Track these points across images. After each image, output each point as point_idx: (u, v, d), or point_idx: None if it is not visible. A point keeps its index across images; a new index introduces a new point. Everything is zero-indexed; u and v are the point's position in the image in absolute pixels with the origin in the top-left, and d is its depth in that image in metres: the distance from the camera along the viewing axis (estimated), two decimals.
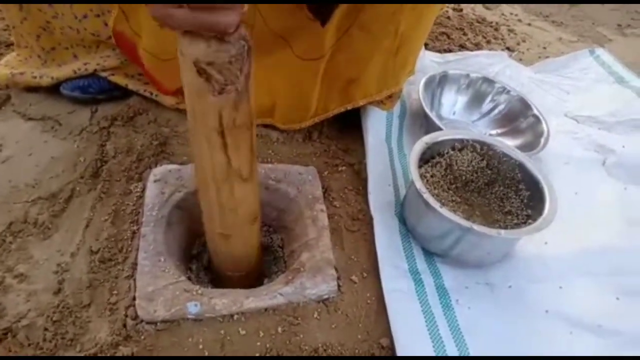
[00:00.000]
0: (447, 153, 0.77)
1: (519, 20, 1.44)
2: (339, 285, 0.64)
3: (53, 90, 0.85)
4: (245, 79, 0.41)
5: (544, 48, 1.32)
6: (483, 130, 0.98)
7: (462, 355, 0.59)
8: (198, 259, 0.74)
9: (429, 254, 0.71)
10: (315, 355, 0.58)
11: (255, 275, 0.69)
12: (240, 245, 0.62)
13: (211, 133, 0.45)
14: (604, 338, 0.63)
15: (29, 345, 0.55)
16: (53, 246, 0.66)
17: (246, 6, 0.37)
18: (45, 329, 0.56)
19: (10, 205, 0.70)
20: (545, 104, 1.01)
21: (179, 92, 0.85)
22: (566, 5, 1.54)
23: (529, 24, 1.43)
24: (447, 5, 1.37)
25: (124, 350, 0.55)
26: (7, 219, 0.68)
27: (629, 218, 0.81)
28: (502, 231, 0.63)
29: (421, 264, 0.70)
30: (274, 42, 0.76)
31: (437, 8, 0.77)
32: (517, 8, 1.50)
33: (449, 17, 1.35)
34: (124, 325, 0.57)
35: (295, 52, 0.77)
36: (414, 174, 0.67)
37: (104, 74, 0.84)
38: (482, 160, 0.77)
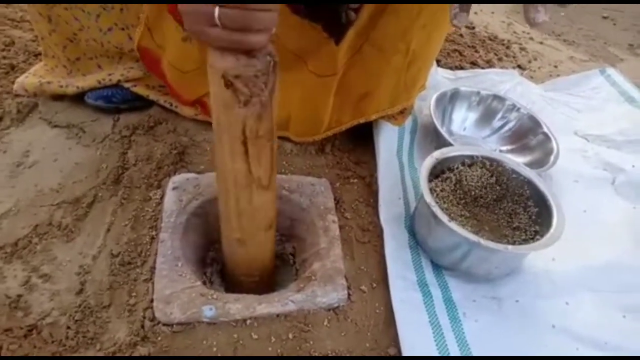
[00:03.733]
0: (457, 168, 0.78)
1: (531, 39, 1.46)
2: (349, 294, 0.66)
3: (78, 99, 0.89)
4: (269, 93, 0.43)
5: (555, 67, 1.33)
6: (493, 147, 0.99)
7: None
8: (212, 265, 0.76)
9: (437, 267, 0.73)
10: None
11: (268, 281, 0.71)
12: (255, 250, 0.64)
13: (234, 142, 0.47)
14: (609, 355, 0.64)
15: (52, 342, 0.57)
16: (76, 248, 0.68)
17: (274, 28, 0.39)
18: (68, 327, 0.59)
19: (36, 208, 0.73)
20: (555, 122, 1.02)
21: (197, 103, 0.88)
22: (578, 25, 1.56)
23: (541, 43, 1.45)
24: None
25: (141, 350, 0.57)
26: (33, 222, 0.71)
27: (637, 236, 0.82)
28: (510, 246, 0.65)
29: (430, 276, 0.71)
30: (290, 59, 0.79)
31: (446, 27, 0.80)
32: (528, 26, 1.53)
33: (461, 35, 1.38)
34: (142, 326, 0.60)
35: (310, 69, 0.80)
36: (424, 187, 0.69)
37: (127, 85, 0.88)
38: (492, 176, 0.78)
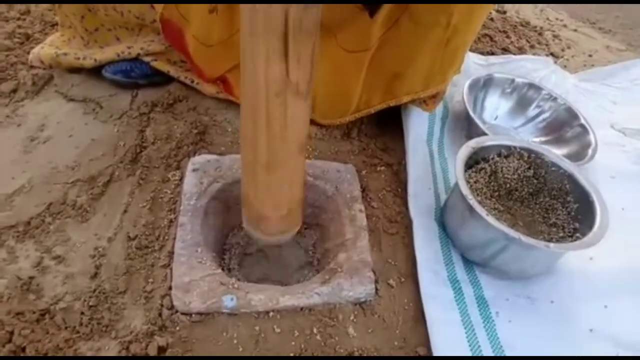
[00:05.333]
0: (493, 159, 0.74)
1: (564, 26, 1.40)
2: (376, 289, 0.63)
3: (95, 72, 0.86)
4: None
5: (590, 56, 1.27)
6: (526, 137, 0.94)
7: None
8: (231, 251, 0.73)
9: (468, 262, 0.69)
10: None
11: (296, 215, 0.63)
12: (285, 179, 0.56)
13: (272, 39, 0.41)
14: None
15: (66, 328, 0.55)
16: (91, 229, 0.66)
17: None
18: (82, 313, 0.57)
19: (50, 185, 0.70)
20: (590, 114, 0.97)
21: (219, 80, 0.84)
22: (615, 12, 1.49)
23: (575, 30, 1.38)
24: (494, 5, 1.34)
25: (159, 340, 0.54)
26: (46, 200, 0.68)
27: None
28: (552, 244, 0.61)
29: (460, 272, 0.68)
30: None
31: (490, 4, 0.75)
32: (562, 13, 1.46)
33: (492, 19, 1.31)
34: (160, 315, 0.57)
35: (340, 44, 0.75)
36: (460, 179, 0.65)
37: (146, 59, 0.84)
38: (529, 168, 0.74)
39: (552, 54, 1.25)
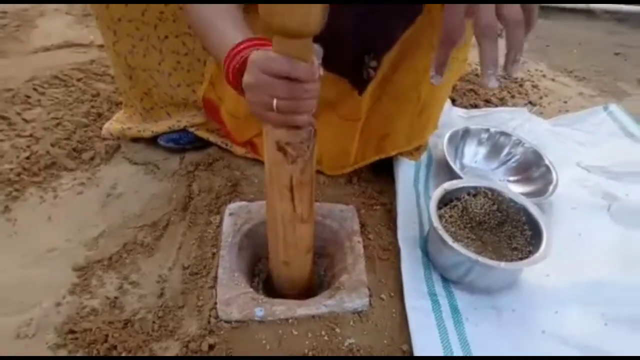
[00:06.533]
0: (463, 197, 0.93)
1: (543, 76, 1.59)
2: (370, 301, 0.81)
3: (152, 141, 1.09)
4: (310, 153, 0.60)
5: (565, 102, 1.45)
6: (501, 178, 1.13)
7: None
8: (259, 275, 0.93)
9: (446, 280, 0.86)
10: (350, 355, 0.74)
11: (307, 294, 0.85)
12: (297, 270, 0.79)
13: (283, 189, 0.63)
14: (591, 355, 0.76)
15: (142, 333, 0.75)
16: (156, 262, 0.87)
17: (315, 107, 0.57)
18: (153, 322, 0.76)
19: (124, 230, 0.92)
20: (560, 155, 1.14)
21: (247, 144, 1.07)
22: (590, 61, 1.67)
23: (553, 79, 1.57)
24: (472, 64, 1.55)
25: (209, 340, 0.73)
26: (122, 241, 0.90)
27: (628, 258, 0.92)
28: (502, 263, 0.79)
29: (439, 288, 0.85)
30: (321, 106, 0.96)
31: (451, 82, 0.96)
32: (541, 64, 1.66)
33: (476, 75, 1.53)
34: (209, 322, 0.76)
35: (337, 114, 0.97)
36: (433, 214, 0.84)
37: (191, 129, 1.07)
38: (494, 204, 0.92)
39: (530, 102, 1.44)
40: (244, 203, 0.96)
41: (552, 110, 1.41)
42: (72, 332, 0.74)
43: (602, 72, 1.61)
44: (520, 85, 1.51)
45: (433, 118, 0.99)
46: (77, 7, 1.78)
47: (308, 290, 0.86)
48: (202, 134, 1.08)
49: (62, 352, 0.72)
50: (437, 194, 0.90)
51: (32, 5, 1.73)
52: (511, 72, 0.54)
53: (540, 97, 1.47)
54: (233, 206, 0.95)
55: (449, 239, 0.81)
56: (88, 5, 1.78)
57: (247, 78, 0.58)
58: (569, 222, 1.00)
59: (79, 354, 0.72)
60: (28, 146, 1.08)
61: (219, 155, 1.08)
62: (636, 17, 1.96)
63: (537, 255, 0.81)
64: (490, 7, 0.50)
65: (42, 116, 1.17)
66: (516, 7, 0.50)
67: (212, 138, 1.08)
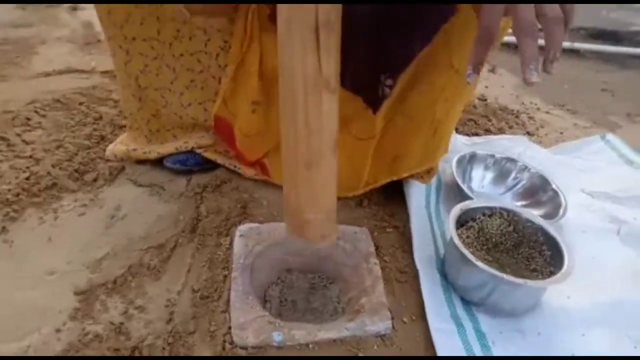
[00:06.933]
0: (479, 218, 0.92)
1: (538, 109, 1.64)
2: (392, 325, 0.78)
3: (158, 162, 1.07)
4: None
5: (561, 133, 1.49)
6: (509, 202, 1.13)
7: None
8: (270, 302, 0.88)
9: (467, 302, 0.84)
10: None
11: (332, 222, 0.73)
12: (322, 177, 0.65)
13: (306, 31, 0.50)
14: None
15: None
16: (163, 285, 0.82)
17: None
18: (163, 348, 0.71)
19: (129, 252, 0.88)
20: (562, 182, 1.16)
21: (257, 164, 1.05)
22: (580, 96, 1.74)
23: (547, 112, 1.62)
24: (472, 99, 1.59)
25: None
26: (127, 263, 0.85)
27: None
28: (528, 281, 0.77)
29: (461, 311, 0.82)
30: None
31: (465, 101, 0.98)
32: (536, 98, 1.71)
33: (475, 106, 1.56)
34: (223, 348, 0.71)
35: (351, 133, 0.97)
36: (453, 232, 0.83)
37: (198, 150, 1.06)
38: (509, 225, 0.91)
39: (527, 133, 1.48)
40: (254, 225, 0.93)
41: (550, 141, 1.44)
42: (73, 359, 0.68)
43: (592, 106, 1.67)
44: (517, 117, 1.55)
45: (445, 138, 0.99)
46: (79, 36, 1.79)
47: (334, 216, 0.73)
48: (210, 155, 1.06)
49: None
50: (454, 213, 0.88)
51: (34, 32, 1.73)
52: (550, 70, 0.54)
53: (537, 128, 1.51)
54: (243, 228, 0.92)
55: (472, 257, 0.79)
56: (92, 32, 1.79)
57: None
58: (580, 245, 1.00)
59: None
60: (28, 167, 1.04)
61: (227, 177, 1.06)
62: (621, 58, 2.09)
63: (560, 274, 0.79)
64: (530, 7, 0.51)
65: (42, 138, 1.14)
66: (555, 7, 0.52)
67: (220, 160, 1.07)
